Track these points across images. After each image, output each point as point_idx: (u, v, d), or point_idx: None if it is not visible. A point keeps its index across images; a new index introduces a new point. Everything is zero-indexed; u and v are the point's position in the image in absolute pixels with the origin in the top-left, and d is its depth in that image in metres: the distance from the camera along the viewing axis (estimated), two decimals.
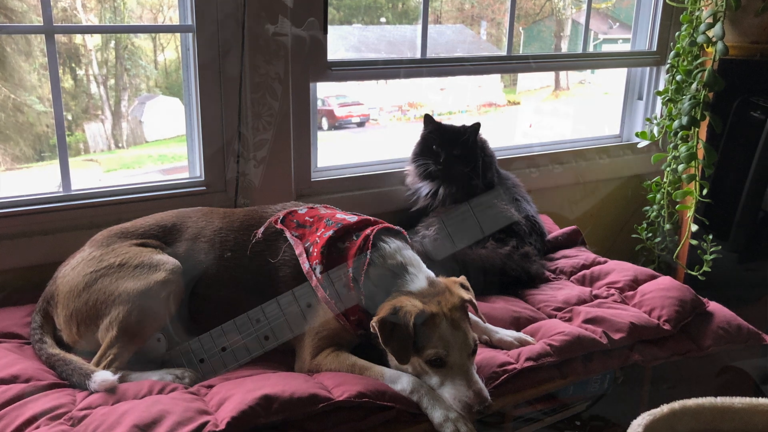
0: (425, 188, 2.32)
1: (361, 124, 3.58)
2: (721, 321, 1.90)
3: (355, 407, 1.43)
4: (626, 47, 3.11)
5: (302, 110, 2.25)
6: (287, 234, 1.68)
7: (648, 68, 3.01)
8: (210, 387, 1.51)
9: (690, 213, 2.50)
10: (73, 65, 2.45)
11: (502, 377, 1.58)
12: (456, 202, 2.26)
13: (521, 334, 1.77)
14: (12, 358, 1.59)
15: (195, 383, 1.54)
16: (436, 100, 3.64)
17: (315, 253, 1.61)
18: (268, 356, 1.67)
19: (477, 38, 3.38)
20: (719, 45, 2.33)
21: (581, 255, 2.32)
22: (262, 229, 1.72)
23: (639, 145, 2.81)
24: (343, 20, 2.79)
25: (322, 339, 1.62)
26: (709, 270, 2.47)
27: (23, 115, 2.26)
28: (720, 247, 2.46)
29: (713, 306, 1.97)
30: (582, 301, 1.98)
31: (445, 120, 2.40)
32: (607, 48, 3.67)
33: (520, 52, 3.12)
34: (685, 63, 2.51)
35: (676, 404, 1.43)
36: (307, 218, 1.72)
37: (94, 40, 2.49)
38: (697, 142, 2.47)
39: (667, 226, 2.68)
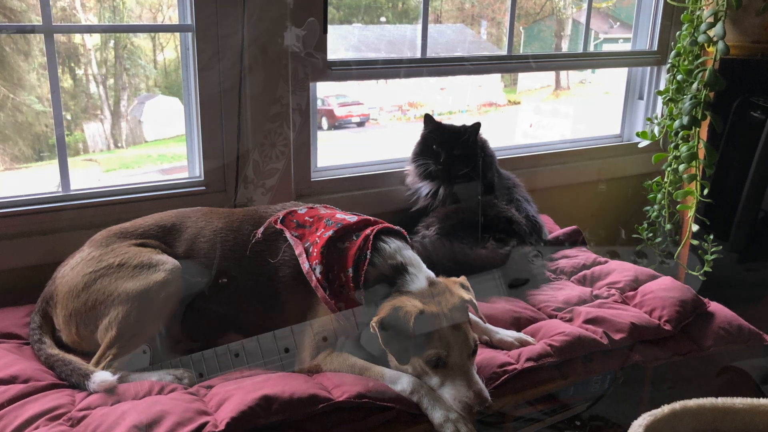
0: (425, 188, 2.31)
1: (361, 124, 3.58)
2: (722, 321, 1.90)
3: (355, 408, 1.43)
4: (627, 47, 3.10)
5: (302, 110, 2.25)
6: (287, 234, 1.68)
7: (649, 68, 3.01)
8: (209, 387, 1.51)
9: (691, 213, 2.49)
10: (73, 65, 2.45)
11: (503, 378, 1.58)
12: (456, 202, 2.26)
13: (521, 335, 1.76)
14: (11, 358, 1.59)
15: (194, 384, 1.54)
16: (437, 100, 3.63)
17: (315, 253, 1.61)
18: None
19: (477, 38, 3.38)
20: (720, 44, 2.33)
21: (582, 255, 2.31)
22: (261, 229, 1.72)
23: (640, 145, 2.81)
24: (343, 20, 2.78)
25: (322, 339, 1.61)
26: (710, 270, 2.47)
27: (22, 114, 2.26)
28: (721, 247, 2.46)
29: (714, 306, 1.96)
30: (582, 302, 1.98)
31: (446, 120, 2.40)
32: (607, 47, 3.67)
33: (521, 51, 3.12)
34: (686, 62, 2.51)
35: (677, 405, 1.42)
36: (306, 218, 1.71)
37: (93, 40, 2.49)
38: (698, 142, 2.47)
39: (668, 226, 2.67)
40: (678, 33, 2.59)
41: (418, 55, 2.49)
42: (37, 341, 1.64)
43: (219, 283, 1.69)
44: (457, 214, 2.20)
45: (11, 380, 1.50)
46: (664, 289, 1.96)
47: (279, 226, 1.71)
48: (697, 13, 2.49)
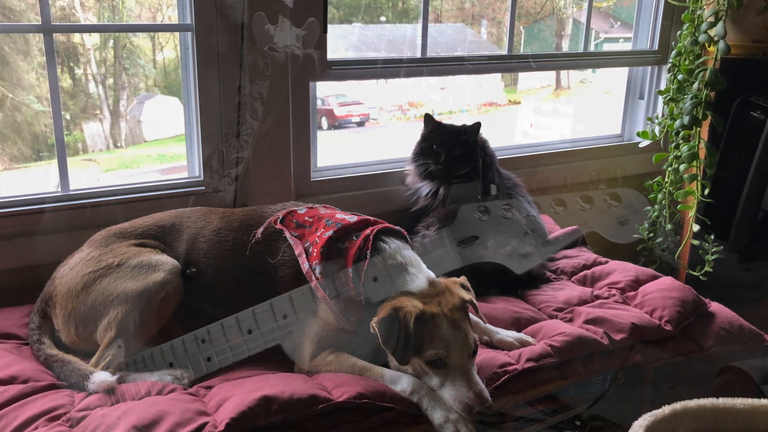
0: (425, 188, 2.31)
1: (361, 124, 3.57)
2: (722, 321, 1.90)
3: (355, 408, 1.43)
4: (627, 46, 3.10)
5: (302, 110, 2.24)
6: (287, 234, 1.67)
7: (649, 67, 3.00)
8: (209, 388, 1.51)
9: (692, 213, 2.49)
10: (72, 64, 2.45)
11: (503, 378, 1.57)
12: (456, 202, 2.25)
13: (522, 335, 1.76)
14: (10, 358, 1.58)
15: (194, 384, 1.54)
16: (437, 100, 3.63)
17: (315, 254, 1.60)
18: (267, 357, 1.66)
19: (477, 37, 3.37)
20: (721, 44, 2.33)
21: (582, 255, 2.31)
22: (261, 230, 1.71)
23: (640, 145, 2.81)
24: (343, 19, 2.78)
25: (322, 340, 1.61)
26: (711, 270, 2.46)
27: (21, 114, 2.25)
28: (721, 247, 2.45)
29: (715, 306, 1.96)
30: (583, 302, 1.98)
31: (446, 119, 2.39)
32: (608, 47, 3.66)
33: (521, 51, 3.11)
34: (687, 62, 2.50)
35: (678, 405, 1.42)
36: (306, 218, 1.71)
37: (92, 39, 2.48)
38: (699, 142, 2.46)
39: (669, 226, 2.67)
40: (679, 32, 2.58)
41: (418, 54, 2.48)
42: (36, 341, 1.64)
43: (218, 284, 1.69)
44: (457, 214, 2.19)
45: (10, 381, 1.50)
46: (664, 290, 1.96)
47: (279, 226, 1.70)
48: (698, 12, 2.48)
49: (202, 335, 1.57)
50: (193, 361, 1.57)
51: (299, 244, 1.64)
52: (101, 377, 1.49)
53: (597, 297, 2.03)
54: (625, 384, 1.84)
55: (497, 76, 3.64)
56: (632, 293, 2.02)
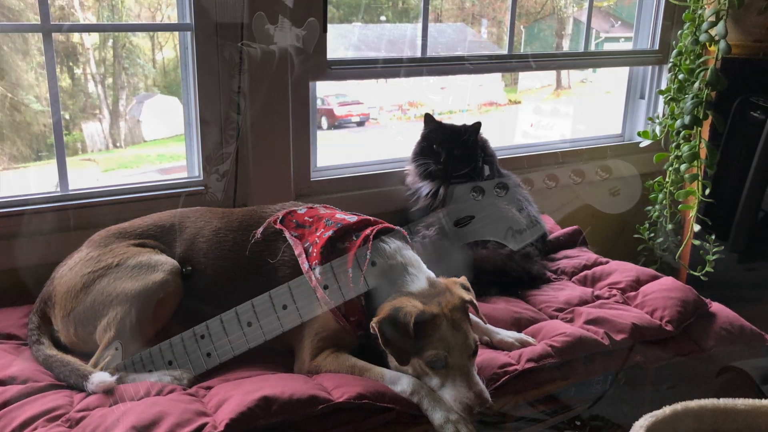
0: (425, 188, 2.30)
1: (360, 124, 3.57)
2: (723, 322, 1.89)
3: (355, 409, 1.42)
4: (628, 46, 3.09)
5: (302, 109, 2.24)
6: (286, 234, 1.67)
7: (650, 67, 3.00)
8: (209, 388, 1.51)
9: (692, 213, 2.49)
10: (71, 64, 2.44)
11: (503, 378, 1.57)
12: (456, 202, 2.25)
13: (522, 335, 1.76)
14: (9, 359, 1.58)
15: (193, 385, 1.53)
16: (437, 100, 3.62)
17: (314, 254, 1.60)
18: (267, 357, 1.66)
19: (478, 37, 3.37)
20: (722, 44, 2.32)
21: (583, 255, 2.30)
22: (261, 230, 1.71)
23: (641, 145, 2.80)
24: (343, 19, 2.77)
25: (322, 340, 1.61)
26: (712, 270, 2.46)
27: (20, 114, 2.25)
28: (722, 247, 2.45)
29: (716, 307, 1.96)
30: (583, 302, 1.97)
31: (446, 119, 2.39)
32: (608, 47, 3.65)
33: (521, 50, 3.11)
34: (688, 62, 2.50)
35: (678, 405, 1.42)
36: (306, 218, 1.70)
37: (91, 39, 2.48)
38: (700, 142, 2.46)
39: (669, 226, 2.67)
40: (679, 32, 2.58)
41: (419, 54, 2.48)
42: (35, 342, 1.63)
43: (217, 284, 1.68)
44: (458, 214, 2.19)
45: (9, 381, 1.50)
46: (665, 290, 1.95)
47: (278, 226, 1.70)
48: (699, 12, 2.48)
49: (201, 331, 1.57)
50: (192, 358, 1.57)
51: (299, 244, 1.64)
52: (100, 378, 1.49)
53: (597, 297, 2.02)
54: (626, 384, 1.84)
55: (497, 75, 3.64)
56: (633, 293, 2.02)
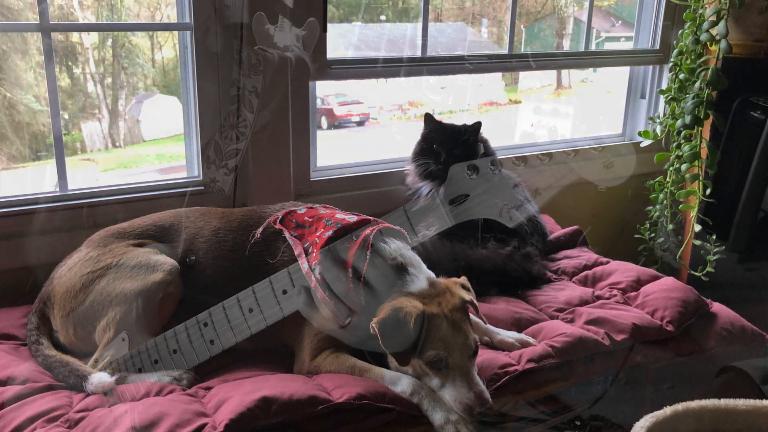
0: (426, 188, 2.30)
1: (360, 123, 3.57)
2: (724, 322, 1.89)
3: (355, 409, 1.42)
4: (629, 45, 3.09)
5: (301, 109, 2.24)
6: (286, 234, 1.67)
7: (651, 67, 2.99)
8: (208, 389, 1.50)
9: (693, 213, 2.48)
10: (70, 63, 2.44)
11: (504, 379, 1.57)
12: None
13: (522, 336, 1.75)
14: (8, 359, 1.58)
15: (193, 385, 1.53)
16: (437, 99, 3.62)
17: (314, 254, 1.59)
18: (267, 357, 1.65)
19: (478, 36, 3.36)
20: (723, 43, 2.32)
21: (583, 255, 2.30)
22: (260, 230, 1.71)
23: (642, 144, 2.80)
24: (343, 18, 2.77)
25: (322, 340, 1.60)
26: (713, 270, 2.45)
27: (19, 114, 2.24)
28: (723, 247, 2.45)
29: (716, 307, 1.95)
30: (584, 302, 1.97)
31: (446, 119, 2.38)
32: (609, 46, 3.65)
33: (522, 50, 3.10)
34: (689, 61, 2.50)
35: (679, 406, 1.41)
36: (306, 218, 1.70)
37: (91, 38, 2.47)
38: (701, 141, 2.45)
39: (670, 226, 2.66)
40: (680, 31, 2.58)
41: (419, 53, 2.47)
42: (34, 342, 1.63)
43: (217, 284, 1.68)
44: None
45: (8, 381, 1.50)
46: (666, 290, 1.95)
47: (278, 226, 1.69)
48: (700, 11, 2.47)
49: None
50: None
51: (299, 244, 1.63)
52: (100, 378, 1.48)
53: (598, 297, 2.02)
54: (626, 384, 1.83)
55: (498, 75, 3.63)
56: (633, 294, 2.01)
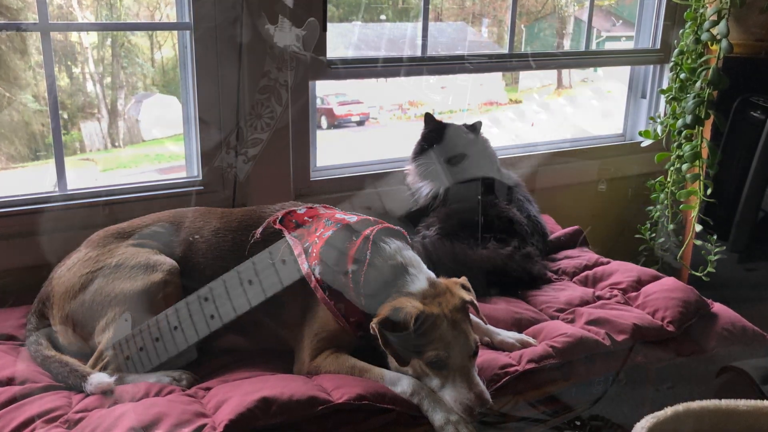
0: (426, 188, 2.30)
1: (360, 123, 3.56)
2: (725, 322, 1.88)
3: (355, 409, 1.42)
4: (629, 45, 3.08)
5: (301, 109, 2.23)
6: (286, 234, 1.66)
7: (651, 66, 2.99)
8: (208, 389, 1.50)
9: (694, 213, 2.48)
10: (69, 63, 2.44)
11: (504, 379, 1.56)
12: (456, 202, 2.24)
13: (523, 336, 1.75)
14: (7, 360, 1.58)
15: (192, 385, 1.53)
16: (437, 99, 3.61)
17: (314, 254, 1.59)
18: (267, 357, 1.65)
19: (478, 36, 3.36)
20: (723, 43, 2.31)
21: (584, 255, 2.30)
22: (260, 230, 1.70)
23: (642, 144, 2.79)
24: (343, 18, 2.77)
25: (322, 340, 1.60)
26: (713, 270, 2.45)
27: (18, 113, 2.24)
28: (724, 247, 2.44)
29: (717, 307, 1.95)
30: (584, 302, 1.96)
31: (446, 119, 2.38)
32: (609, 46, 3.65)
33: (522, 50, 3.10)
34: (689, 61, 2.49)
35: (680, 406, 1.41)
36: (306, 218, 1.70)
37: (90, 38, 2.47)
38: (701, 141, 2.45)
39: (671, 226, 2.66)
40: (681, 31, 2.57)
41: (419, 53, 2.47)
42: (33, 342, 1.62)
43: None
44: (458, 214, 2.19)
45: (7, 382, 1.49)
46: (667, 290, 1.94)
47: (278, 226, 1.69)
48: (701, 11, 2.47)
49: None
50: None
51: (298, 244, 1.63)
52: (99, 378, 1.48)
53: (599, 298, 2.01)
54: (627, 385, 1.83)
55: (498, 75, 3.63)
56: (634, 294, 2.01)
